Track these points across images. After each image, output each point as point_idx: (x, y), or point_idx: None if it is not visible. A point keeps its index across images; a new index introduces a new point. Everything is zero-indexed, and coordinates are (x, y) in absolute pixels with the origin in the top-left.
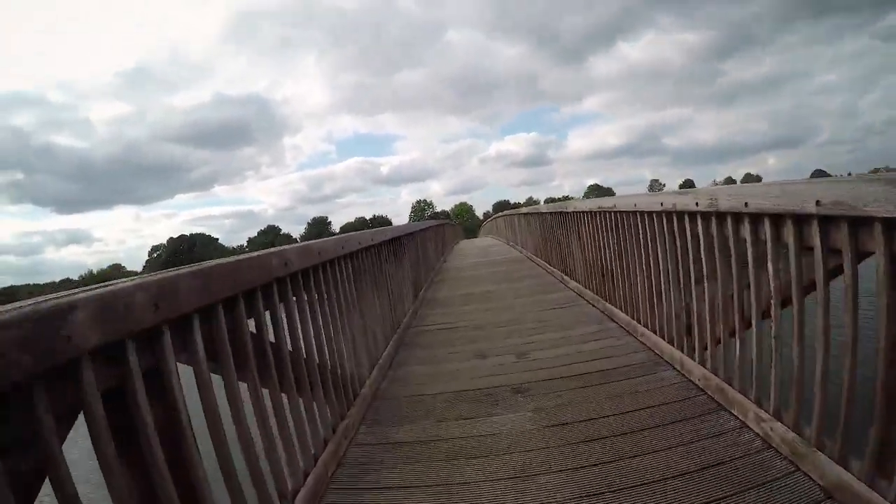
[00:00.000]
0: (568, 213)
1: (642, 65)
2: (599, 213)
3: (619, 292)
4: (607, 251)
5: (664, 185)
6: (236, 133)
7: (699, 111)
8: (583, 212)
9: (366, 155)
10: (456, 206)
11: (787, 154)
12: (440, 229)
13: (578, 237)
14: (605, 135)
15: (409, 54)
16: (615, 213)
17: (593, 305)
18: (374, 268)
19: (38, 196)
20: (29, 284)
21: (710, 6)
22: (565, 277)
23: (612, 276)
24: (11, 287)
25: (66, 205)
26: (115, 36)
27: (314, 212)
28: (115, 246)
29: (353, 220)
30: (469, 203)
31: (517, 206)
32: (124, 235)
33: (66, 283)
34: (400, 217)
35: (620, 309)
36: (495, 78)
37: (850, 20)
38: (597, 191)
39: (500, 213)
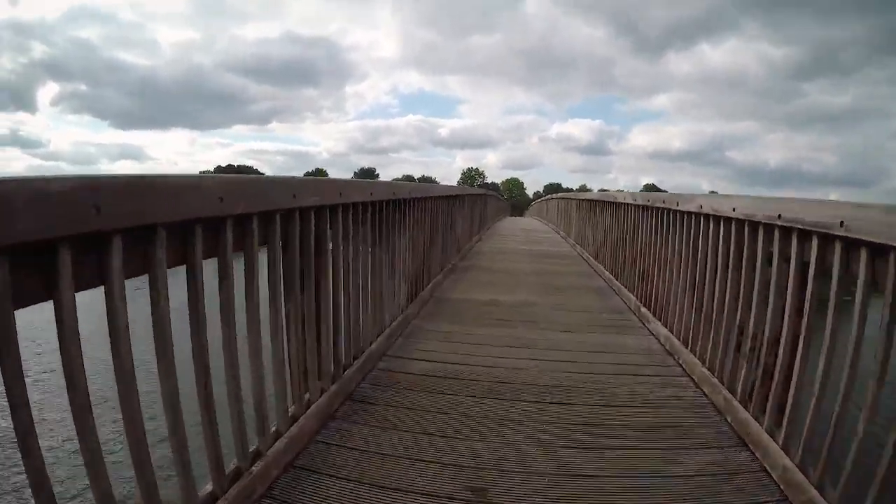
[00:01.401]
0: (684, 212)
1: (720, 70)
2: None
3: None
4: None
5: None
6: (301, 73)
7: (770, 129)
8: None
9: (427, 114)
10: (507, 180)
11: (850, 193)
12: (479, 201)
13: (695, 260)
14: (670, 136)
15: (485, 18)
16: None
17: (699, 387)
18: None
19: (99, 109)
20: None
21: (801, 21)
22: (645, 311)
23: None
24: None
25: (125, 120)
26: None
27: (367, 162)
28: (167, 166)
29: (400, 177)
30: (521, 180)
31: (569, 191)
32: (178, 157)
33: None
34: (449, 181)
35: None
36: (568, 56)
37: None
38: (652, 190)
39: (554, 195)
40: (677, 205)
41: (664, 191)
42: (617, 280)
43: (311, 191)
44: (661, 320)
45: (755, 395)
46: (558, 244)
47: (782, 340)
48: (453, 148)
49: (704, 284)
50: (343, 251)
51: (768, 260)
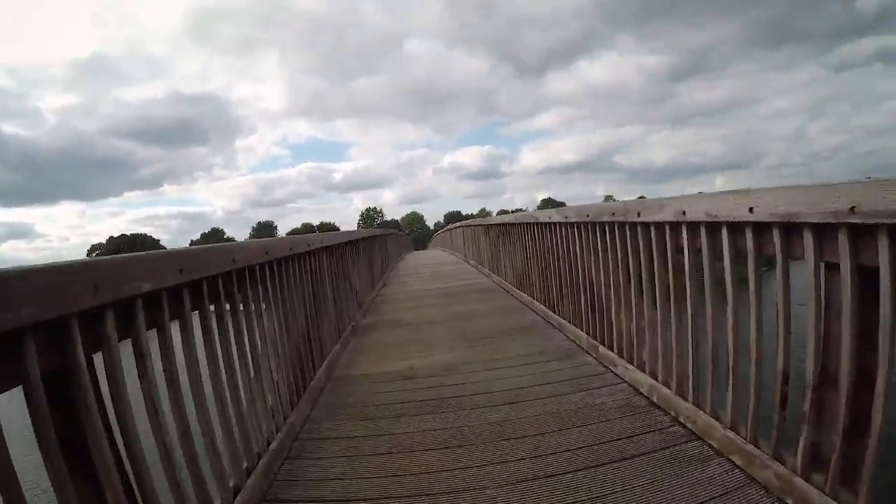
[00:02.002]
0: (650, 223)
1: (600, 83)
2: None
3: None
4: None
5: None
6: (189, 132)
7: (654, 131)
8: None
9: (319, 160)
10: (407, 215)
11: (735, 175)
12: (378, 242)
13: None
14: (559, 150)
15: (369, 62)
16: None
17: (731, 461)
18: None
19: None
20: None
21: (672, 30)
22: (605, 351)
23: None
24: None
25: (9, 197)
26: (71, 25)
27: (264, 216)
28: (58, 242)
29: (299, 226)
30: (420, 213)
31: (469, 216)
32: (68, 232)
33: None
34: (349, 224)
35: None
36: (453, 89)
37: (804, 49)
38: (550, 204)
39: (457, 224)
40: (638, 215)
41: (562, 202)
42: (554, 313)
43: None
44: (632, 362)
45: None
46: (471, 275)
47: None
48: (349, 191)
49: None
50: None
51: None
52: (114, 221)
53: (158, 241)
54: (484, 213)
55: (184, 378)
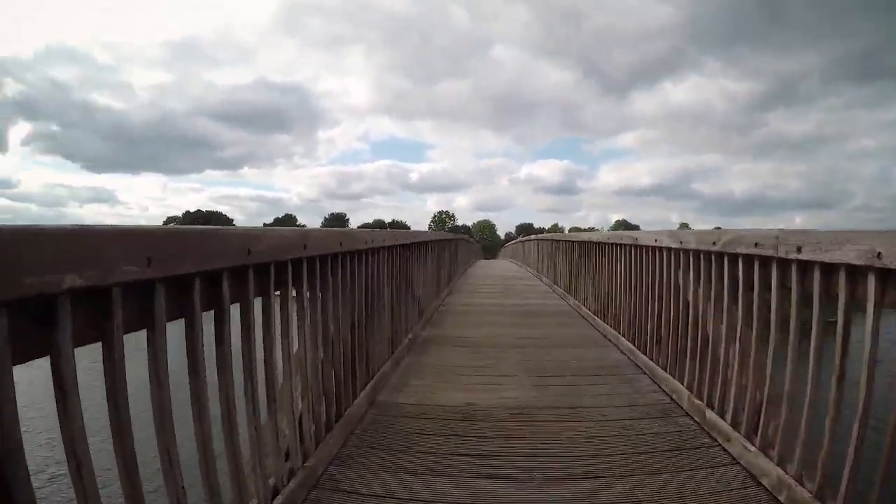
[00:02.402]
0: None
1: (684, 106)
2: None
3: None
4: None
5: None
6: (273, 119)
7: (735, 161)
8: None
9: (398, 159)
10: (478, 221)
11: (816, 215)
12: (449, 247)
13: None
14: (638, 173)
15: (454, 65)
16: None
17: None
18: None
19: (70, 150)
20: None
21: (760, 56)
22: (715, 419)
23: None
24: None
25: (96, 163)
26: (166, 6)
27: (339, 207)
28: (137, 210)
29: (370, 221)
30: (492, 221)
31: (541, 230)
32: (148, 202)
33: None
34: (420, 225)
35: None
36: (536, 99)
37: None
38: (623, 226)
39: (532, 236)
40: (798, 251)
41: (636, 225)
42: (644, 354)
43: None
44: (753, 440)
45: None
46: (545, 294)
47: None
48: (424, 192)
49: None
50: None
51: None
52: (195, 197)
53: (232, 220)
54: (556, 228)
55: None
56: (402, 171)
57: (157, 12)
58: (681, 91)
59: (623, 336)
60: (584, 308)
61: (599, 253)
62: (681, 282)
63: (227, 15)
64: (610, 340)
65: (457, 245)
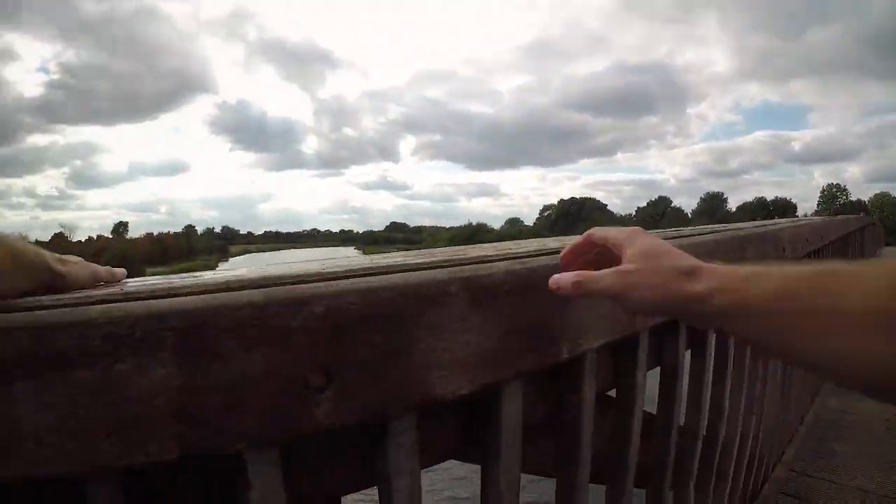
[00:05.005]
0: None
1: None
2: None
3: None
4: None
5: None
6: (637, 101)
7: None
8: None
9: (775, 128)
10: (875, 195)
11: None
12: (853, 239)
13: None
14: None
15: (819, 6)
16: None
17: None
18: None
19: (453, 154)
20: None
21: None
22: None
23: None
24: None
25: (477, 163)
26: (511, 16)
27: (717, 186)
28: (518, 201)
29: (751, 200)
30: (894, 195)
31: None
32: (528, 192)
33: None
34: (807, 203)
35: None
36: None
37: None
38: None
39: None
40: None
41: None
42: None
43: None
44: None
45: None
46: None
47: None
48: (808, 163)
49: None
50: None
51: None
52: (571, 185)
53: (605, 206)
54: None
55: None
56: (781, 141)
57: (502, 23)
58: None
59: None
60: None
61: None
62: None
63: (569, 9)
64: None
65: (862, 235)
